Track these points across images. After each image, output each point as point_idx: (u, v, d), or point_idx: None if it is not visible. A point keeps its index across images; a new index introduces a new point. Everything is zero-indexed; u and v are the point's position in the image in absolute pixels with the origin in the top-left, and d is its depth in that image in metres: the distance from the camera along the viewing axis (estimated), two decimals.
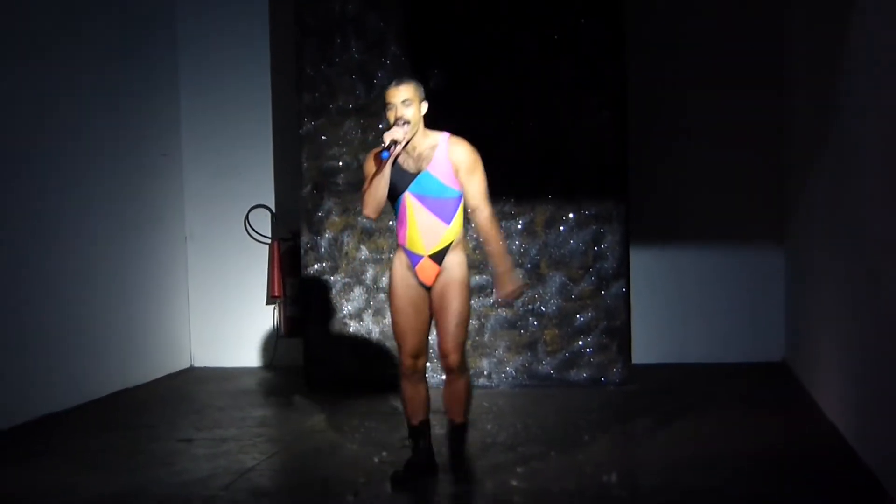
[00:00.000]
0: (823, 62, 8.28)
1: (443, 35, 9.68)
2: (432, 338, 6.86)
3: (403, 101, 6.44)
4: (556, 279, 9.62)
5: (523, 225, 9.62)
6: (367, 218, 6.71)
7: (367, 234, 9.70)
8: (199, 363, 11.11)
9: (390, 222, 9.64)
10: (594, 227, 9.59)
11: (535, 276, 9.63)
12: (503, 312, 9.64)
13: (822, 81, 8.35)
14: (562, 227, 9.61)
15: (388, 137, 6.38)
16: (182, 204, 11.01)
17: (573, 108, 9.56)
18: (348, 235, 9.73)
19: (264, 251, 10.96)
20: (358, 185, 9.60)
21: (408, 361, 6.62)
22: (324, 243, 9.76)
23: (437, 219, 6.48)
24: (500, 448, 7.55)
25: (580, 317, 9.63)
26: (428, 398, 6.78)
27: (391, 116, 6.47)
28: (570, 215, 9.62)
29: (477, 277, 9.58)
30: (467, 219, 6.76)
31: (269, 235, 10.98)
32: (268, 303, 11.00)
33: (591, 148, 9.53)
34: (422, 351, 6.65)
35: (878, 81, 6.55)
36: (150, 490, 6.70)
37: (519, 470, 6.98)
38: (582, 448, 7.55)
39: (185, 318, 11.03)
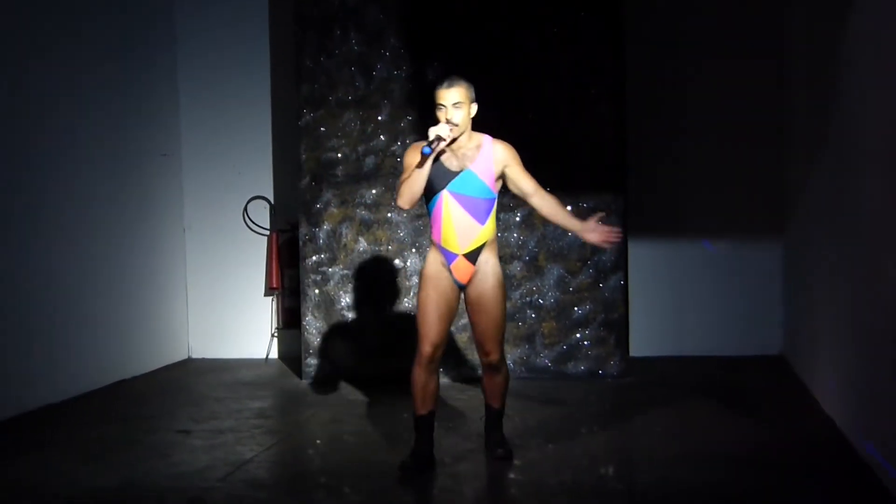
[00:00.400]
0: (823, 59, 8.27)
1: (442, 28, 9.68)
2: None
3: (455, 104, 6.48)
4: (554, 272, 9.63)
5: (521, 217, 9.62)
6: (400, 208, 6.80)
7: (365, 226, 9.70)
8: (197, 355, 11.12)
9: (389, 214, 9.65)
10: None
11: (533, 268, 9.63)
12: None
13: (821, 77, 8.36)
14: None
15: (433, 133, 6.41)
16: (181, 196, 11.01)
17: (572, 102, 9.56)
18: (347, 227, 9.73)
19: (263, 243, 10.97)
20: (357, 177, 9.63)
21: (428, 350, 6.65)
22: (322, 235, 9.76)
23: (472, 218, 6.57)
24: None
25: (578, 309, 9.63)
26: (437, 391, 6.82)
27: (441, 117, 6.50)
28: (569, 208, 9.56)
29: None
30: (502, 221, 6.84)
31: (268, 227, 10.99)
32: (266, 294, 11.01)
33: (589, 142, 9.53)
34: (442, 341, 6.69)
35: (877, 79, 6.55)
36: (147, 481, 6.71)
37: (516, 462, 6.99)
38: (579, 441, 7.56)
39: (183, 309, 11.03)
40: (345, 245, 9.74)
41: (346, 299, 9.78)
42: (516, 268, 9.64)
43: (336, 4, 9.72)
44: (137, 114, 10.25)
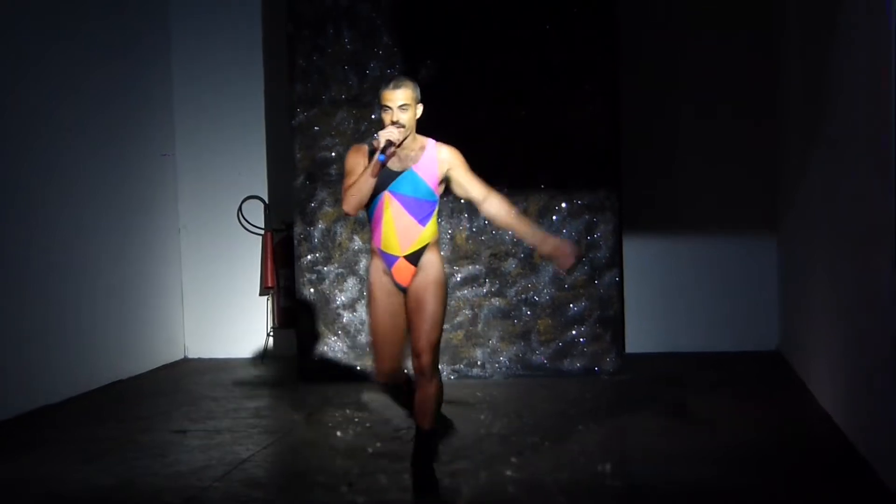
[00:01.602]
0: (818, 57, 8.28)
1: (435, 25, 9.67)
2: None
3: (401, 106, 6.31)
4: (549, 269, 9.62)
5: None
6: (346, 214, 6.63)
7: (360, 225, 9.69)
8: (192, 354, 11.12)
9: None
10: (587, 217, 9.59)
11: (528, 265, 9.63)
12: (496, 302, 9.64)
13: (816, 76, 8.36)
14: (554, 217, 9.61)
15: (383, 137, 6.26)
16: (175, 196, 11.01)
17: (566, 98, 9.56)
18: (341, 226, 9.72)
19: (257, 242, 10.97)
20: None
21: (383, 379, 6.61)
22: (317, 234, 9.76)
23: (414, 220, 6.38)
24: (494, 438, 7.56)
25: (573, 306, 9.63)
26: (408, 381, 6.83)
27: (387, 119, 6.33)
28: (563, 205, 9.62)
29: (470, 267, 9.59)
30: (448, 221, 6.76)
31: (263, 226, 10.98)
32: (261, 294, 11.01)
33: (583, 137, 9.53)
34: (398, 366, 6.59)
35: (870, 77, 6.55)
36: (144, 481, 6.70)
37: (513, 460, 6.99)
38: (575, 438, 7.56)
39: (178, 309, 11.03)
40: (339, 244, 9.74)
41: (341, 298, 9.77)
42: (511, 265, 9.64)
43: (329, 3, 9.71)
44: (132, 114, 10.24)
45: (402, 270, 6.45)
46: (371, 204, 6.42)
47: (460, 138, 9.47)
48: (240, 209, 11.01)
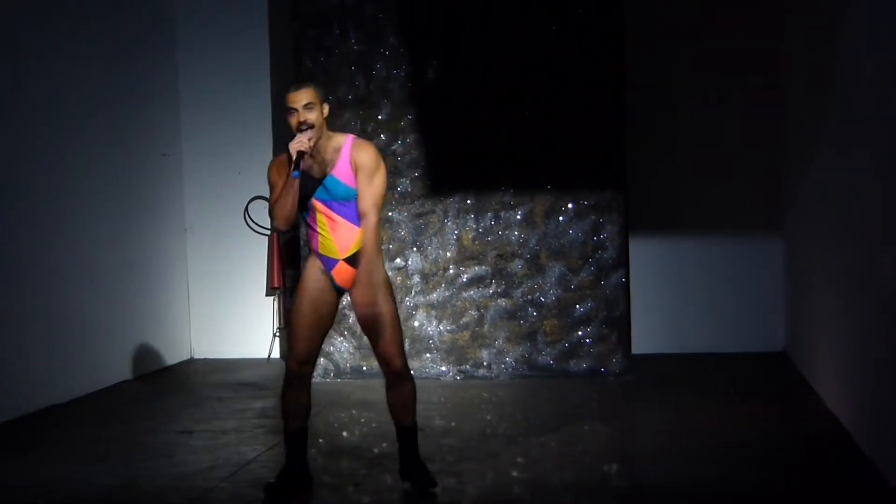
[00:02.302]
0: (822, 56, 8.27)
1: (441, 25, 9.67)
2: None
3: (306, 105, 6.16)
4: (555, 269, 9.62)
5: (522, 215, 9.62)
6: (278, 230, 6.54)
7: None
8: (198, 355, 11.12)
9: (389, 213, 9.65)
10: (593, 217, 9.59)
11: (534, 266, 9.63)
12: (502, 303, 9.63)
13: (821, 72, 8.35)
14: (561, 218, 9.61)
15: (294, 150, 6.14)
16: (182, 196, 11.01)
17: (572, 98, 9.55)
18: None
19: (264, 242, 10.96)
20: None
21: (294, 366, 6.40)
22: None
23: (348, 222, 6.28)
24: (500, 438, 7.55)
25: (580, 307, 9.62)
26: (308, 406, 6.53)
27: (293, 121, 6.20)
28: (570, 205, 9.61)
29: (476, 268, 9.59)
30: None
31: (269, 227, 10.98)
32: (267, 294, 11.01)
33: (589, 138, 9.53)
34: (310, 358, 6.44)
35: (876, 74, 6.54)
36: (149, 482, 6.70)
37: (519, 460, 6.98)
38: (582, 438, 7.55)
39: (185, 309, 11.03)
40: None
41: (346, 299, 9.76)
42: (517, 266, 9.63)
43: (335, 3, 9.71)
44: (138, 115, 10.25)
45: (343, 273, 6.36)
46: (303, 211, 6.34)
47: (466, 138, 9.55)
48: (246, 209, 11.02)
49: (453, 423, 7.94)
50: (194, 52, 10.96)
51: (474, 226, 9.63)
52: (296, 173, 6.16)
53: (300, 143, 6.17)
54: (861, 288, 7.03)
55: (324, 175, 6.27)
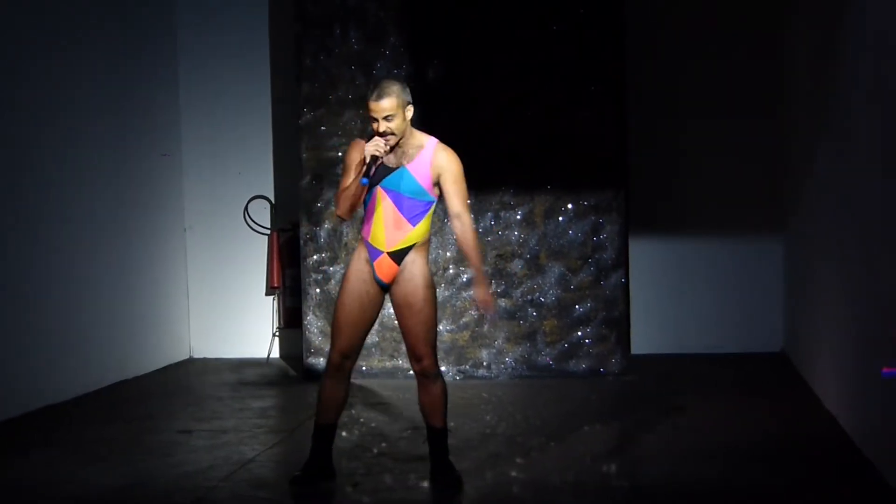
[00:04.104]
0: (823, 56, 8.27)
1: (442, 25, 9.67)
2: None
3: (386, 118, 6.23)
4: (555, 270, 9.63)
5: (522, 215, 9.62)
6: (338, 217, 6.58)
7: None
8: (198, 354, 11.12)
9: None
10: (593, 218, 9.60)
11: (534, 266, 9.63)
12: (502, 303, 9.64)
13: (822, 73, 8.36)
14: (561, 218, 9.61)
15: (369, 153, 6.22)
16: (181, 196, 11.01)
17: (572, 99, 9.55)
18: (347, 226, 9.72)
19: (263, 242, 10.97)
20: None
21: (336, 359, 6.44)
22: (323, 234, 9.76)
23: (404, 217, 6.33)
24: (500, 439, 7.56)
25: (579, 307, 9.63)
26: (343, 402, 6.57)
27: (376, 128, 6.27)
28: (570, 206, 9.62)
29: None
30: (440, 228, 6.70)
31: (269, 226, 10.99)
32: (267, 294, 11.01)
33: (590, 138, 9.53)
34: (352, 352, 6.46)
35: (877, 74, 6.54)
36: (150, 481, 6.70)
37: (518, 461, 6.99)
38: (581, 439, 7.56)
39: (184, 309, 11.03)
40: (346, 244, 9.74)
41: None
42: (517, 266, 9.64)
43: (336, 3, 9.71)
44: (138, 114, 10.24)
45: (384, 266, 6.40)
46: (367, 196, 6.40)
47: (467, 138, 9.53)
48: (246, 209, 11.02)
49: (453, 424, 7.90)
50: (195, 52, 10.96)
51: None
52: (364, 180, 6.26)
53: (376, 147, 6.24)
54: (860, 289, 7.03)
55: (398, 165, 6.33)
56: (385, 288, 6.46)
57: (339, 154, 9.70)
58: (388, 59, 9.69)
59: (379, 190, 6.35)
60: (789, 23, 10.03)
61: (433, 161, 6.34)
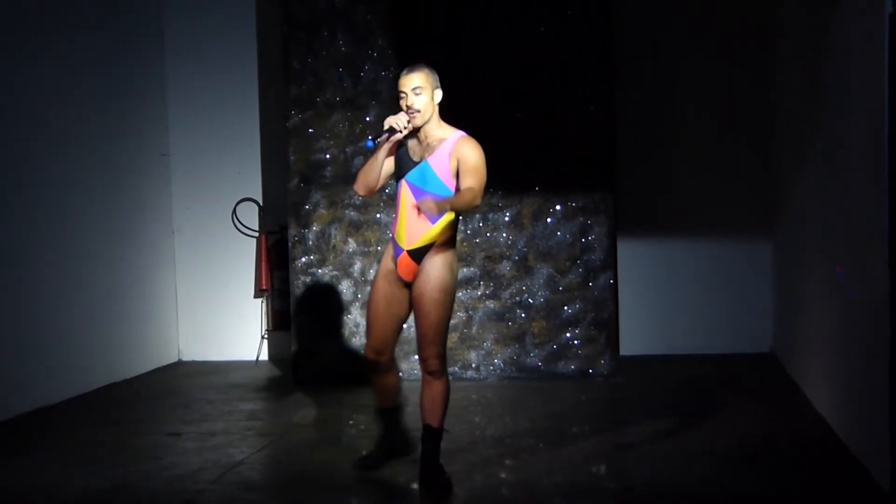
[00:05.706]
0: (812, 58, 8.29)
1: (429, 27, 9.67)
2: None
3: (414, 90, 6.24)
4: (543, 271, 9.63)
5: (510, 217, 9.62)
6: (355, 193, 6.57)
7: (354, 227, 9.69)
8: (186, 357, 11.10)
9: (377, 215, 9.65)
10: (581, 219, 9.60)
11: (522, 268, 9.64)
12: (491, 304, 9.64)
13: (810, 74, 8.37)
14: (549, 219, 9.62)
15: (388, 124, 6.23)
16: (169, 198, 11.00)
17: (561, 102, 9.56)
18: (336, 228, 9.72)
19: (252, 244, 10.96)
20: (345, 177, 9.62)
21: (370, 355, 6.56)
22: (311, 236, 9.75)
23: (423, 214, 6.21)
24: (489, 441, 7.56)
25: (568, 309, 9.64)
26: (395, 388, 6.74)
27: (403, 105, 6.27)
28: (558, 207, 9.63)
29: (464, 270, 9.59)
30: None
31: (257, 229, 10.98)
32: (256, 296, 11.00)
33: (578, 140, 9.54)
34: (385, 348, 6.53)
35: (866, 80, 6.56)
36: (138, 484, 6.69)
37: (507, 462, 6.99)
38: (570, 440, 7.56)
39: (172, 312, 11.02)
40: (334, 246, 9.74)
41: (335, 300, 9.77)
42: (506, 267, 9.64)
43: (323, 6, 9.71)
44: (126, 116, 10.23)
45: (405, 265, 6.40)
46: (397, 189, 6.41)
47: None
48: (234, 211, 11.01)
49: (447, 429, 7.93)
50: (183, 54, 10.94)
51: (462, 228, 9.63)
52: (370, 143, 6.20)
53: (397, 120, 6.23)
54: (848, 290, 7.05)
55: (421, 159, 6.31)
56: (408, 285, 6.46)
57: (327, 156, 9.70)
58: (376, 62, 9.69)
59: (403, 183, 6.35)
60: (780, 25, 10.04)
61: (452, 151, 6.28)
